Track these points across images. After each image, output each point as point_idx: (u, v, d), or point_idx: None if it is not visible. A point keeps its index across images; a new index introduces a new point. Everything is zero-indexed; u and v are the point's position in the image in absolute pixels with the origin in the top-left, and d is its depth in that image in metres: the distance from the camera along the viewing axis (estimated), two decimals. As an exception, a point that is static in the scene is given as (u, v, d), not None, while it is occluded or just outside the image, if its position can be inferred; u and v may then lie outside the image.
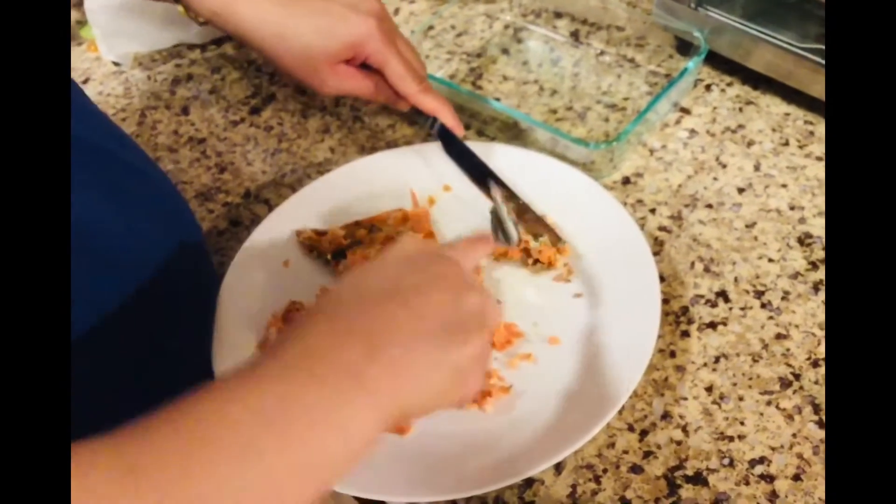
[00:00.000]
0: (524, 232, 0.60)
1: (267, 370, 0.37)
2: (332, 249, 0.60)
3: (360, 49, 0.60)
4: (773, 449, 0.51)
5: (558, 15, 0.79)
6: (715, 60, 0.71)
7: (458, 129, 0.64)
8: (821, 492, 0.49)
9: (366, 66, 0.62)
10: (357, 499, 0.57)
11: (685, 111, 0.70)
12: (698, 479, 0.50)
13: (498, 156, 0.65)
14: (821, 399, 0.53)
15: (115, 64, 0.82)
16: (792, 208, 0.63)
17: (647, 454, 0.51)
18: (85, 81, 0.82)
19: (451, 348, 0.40)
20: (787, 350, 0.55)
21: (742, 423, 0.52)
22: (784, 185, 0.64)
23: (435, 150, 0.66)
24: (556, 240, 0.59)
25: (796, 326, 0.56)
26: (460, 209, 0.63)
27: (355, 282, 0.43)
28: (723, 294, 0.58)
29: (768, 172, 0.65)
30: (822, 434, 0.51)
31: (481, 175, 0.63)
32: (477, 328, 0.42)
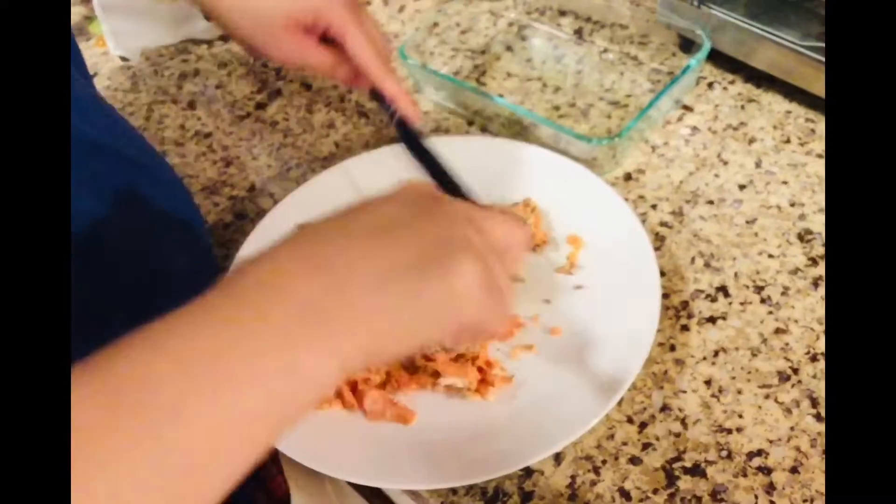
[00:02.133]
0: None
1: (211, 308, 0.33)
2: None
3: (321, 16, 0.56)
4: (770, 442, 0.51)
5: (562, 13, 0.80)
6: (717, 58, 0.72)
7: (415, 118, 0.60)
8: (818, 484, 0.49)
9: (328, 42, 0.59)
10: (355, 487, 0.58)
11: (687, 108, 0.71)
12: (696, 471, 0.50)
13: (501, 151, 0.66)
14: (819, 393, 0.53)
15: (123, 59, 0.83)
16: (792, 205, 0.63)
17: (646, 446, 0.52)
18: (93, 76, 0.83)
19: (432, 278, 0.35)
20: (786, 345, 0.55)
21: (740, 416, 0.52)
22: (785, 182, 0.65)
23: (439, 145, 0.66)
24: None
25: (795, 321, 0.57)
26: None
27: (340, 215, 0.38)
28: (723, 289, 0.59)
29: (769, 169, 0.66)
30: (819, 427, 0.52)
31: (439, 174, 0.58)
32: (473, 250, 0.36)
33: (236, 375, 0.31)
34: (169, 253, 0.54)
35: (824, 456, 0.50)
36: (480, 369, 0.53)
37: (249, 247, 0.61)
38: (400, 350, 0.36)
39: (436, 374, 0.54)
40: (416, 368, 0.54)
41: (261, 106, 0.77)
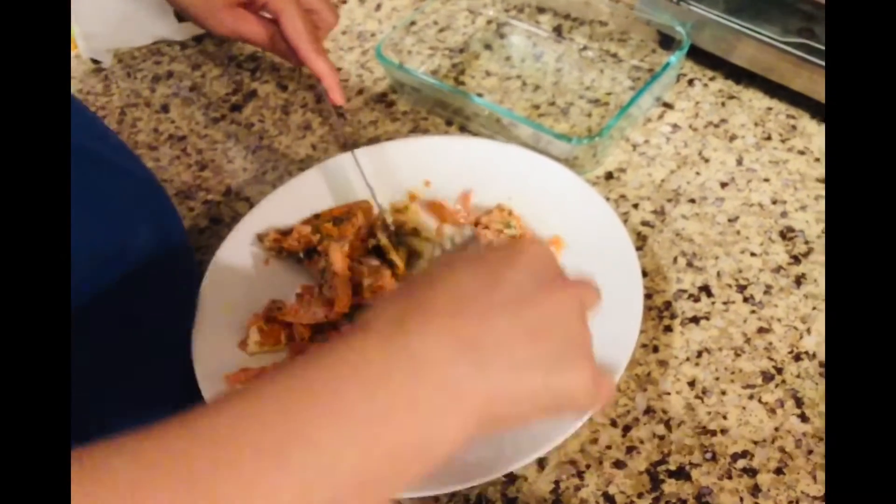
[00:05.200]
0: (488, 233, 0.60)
1: (360, 381, 0.34)
2: (303, 248, 0.59)
3: None
4: (755, 443, 0.51)
5: (541, 10, 0.79)
6: (697, 55, 0.71)
7: (339, 99, 0.62)
8: (803, 485, 0.49)
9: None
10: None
11: (668, 106, 0.70)
12: (681, 474, 0.50)
13: (480, 151, 0.65)
14: (803, 393, 0.53)
15: (95, 62, 0.81)
16: (774, 202, 0.63)
17: (630, 449, 0.51)
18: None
19: (559, 377, 0.38)
20: (770, 344, 0.55)
21: (725, 418, 0.52)
22: (766, 180, 0.64)
23: (417, 146, 0.66)
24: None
25: (778, 320, 0.56)
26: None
27: (474, 275, 0.39)
28: (705, 289, 0.58)
29: (751, 167, 0.65)
30: (804, 428, 0.51)
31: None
32: (584, 355, 0.40)
33: (382, 443, 0.33)
34: (151, 255, 0.53)
35: (809, 457, 0.50)
36: None
37: (225, 252, 0.60)
38: (506, 430, 0.39)
39: None
40: None
41: (236, 108, 0.76)
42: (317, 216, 0.62)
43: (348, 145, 0.65)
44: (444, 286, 0.38)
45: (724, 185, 0.64)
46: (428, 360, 0.34)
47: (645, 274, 0.58)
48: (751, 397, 0.53)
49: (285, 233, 0.60)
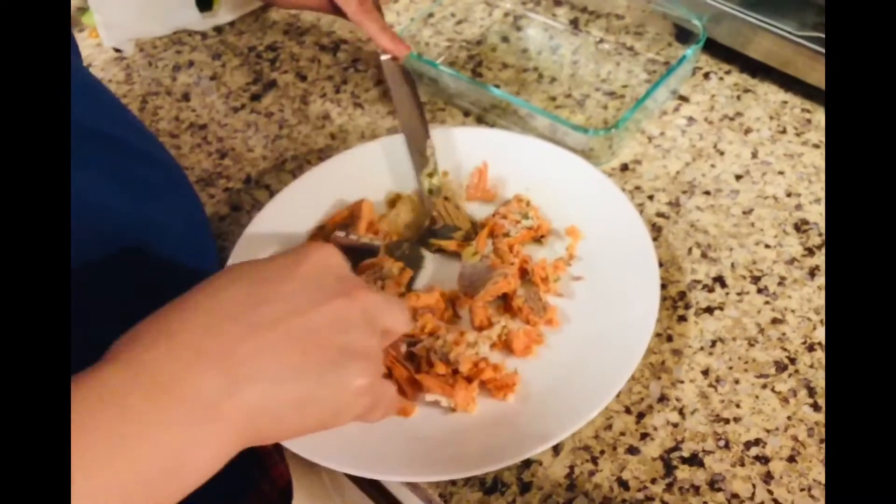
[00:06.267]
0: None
1: (106, 394, 0.33)
2: None
3: None
4: (767, 431, 0.51)
5: (558, 3, 0.79)
6: (713, 48, 0.72)
7: (396, 49, 0.65)
8: (815, 473, 0.49)
9: None
10: (353, 478, 0.58)
11: (683, 99, 0.71)
12: (694, 461, 0.51)
13: (497, 142, 0.66)
14: (816, 383, 0.53)
15: (117, 50, 0.83)
16: (789, 195, 0.63)
17: (644, 436, 0.52)
18: (86, 68, 0.82)
19: (329, 387, 0.37)
20: (783, 334, 0.56)
21: (738, 406, 0.53)
22: (781, 173, 0.65)
23: (434, 137, 0.66)
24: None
25: (792, 311, 0.57)
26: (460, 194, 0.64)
27: (245, 291, 0.38)
28: (720, 279, 0.59)
29: (765, 160, 0.66)
30: (816, 417, 0.52)
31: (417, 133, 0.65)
32: (366, 361, 0.39)
33: (121, 470, 0.32)
34: (174, 240, 0.54)
35: (822, 445, 0.51)
36: (482, 382, 0.53)
37: (246, 240, 0.61)
38: (277, 441, 0.39)
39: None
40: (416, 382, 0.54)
41: (256, 97, 0.77)
42: (321, 227, 0.62)
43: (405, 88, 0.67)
44: (198, 306, 0.37)
45: (738, 177, 0.65)
46: (168, 380, 0.33)
47: (660, 264, 0.59)
48: (764, 386, 0.53)
49: None
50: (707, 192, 0.64)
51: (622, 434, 0.52)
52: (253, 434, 0.36)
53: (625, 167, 0.67)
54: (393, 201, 0.64)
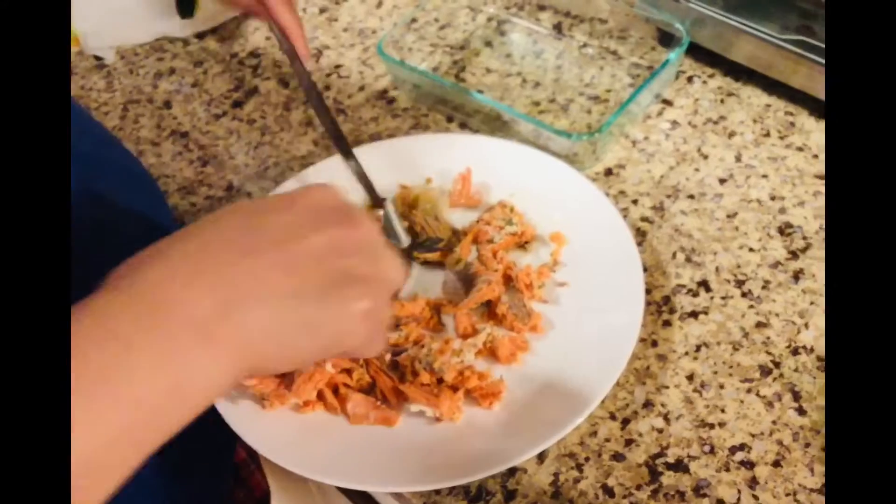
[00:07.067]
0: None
1: (101, 317, 0.33)
2: None
3: None
4: (753, 436, 0.51)
5: (541, 7, 0.79)
6: (697, 52, 0.72)
7: (305, 56, 0.63)
8: (800, 478, 0.49)
9: None
10: (340, 489, 0.57)
11: (667, 103, 0.71)
12: (679, 466, 0.50)
13: (481, 148, 0.65)
14: (800, 386, 0.53)
15: (97, 58, 0.82)
16: (773, 198, 0.63)
17: (629, 442, 0.52)
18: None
19: (328, 311, 0.37)
20: (768, 338, 0.56)
21: (722, 411, 0.52)
22: (765, 176, 0.65)
23: (418, 143, 0.66)
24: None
25: (776, 315, 0.57)
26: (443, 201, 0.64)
27: (245, 219, 0.38)
28: (704, 284, 0.59)
29: (749, 163, 0.66)
30: (801, 421, 0.52)
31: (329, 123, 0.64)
32: (366, 285, 0.38)
33: (120, 395, 0.32)
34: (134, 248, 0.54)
35: (807, 450, 0.50)
36: (468, 391, 0.52)
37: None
38: (284, 369, 0.39)
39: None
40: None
41: (238, 104, 0.76)
42: None
43: (311, 94, 0.66)
44: (194, 236, 0.37)
45: (722, 181, 0.65)
46: (161, 303, 0.33)
47: (644, 269, 0.59)
48: (749, 391, 0.53)
49: None
50: (691, 196, 0.64)
51: (607, 440, 0.52)
52: (256, 359, 0.35)
53: (609, 172, 0.66)
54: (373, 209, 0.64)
